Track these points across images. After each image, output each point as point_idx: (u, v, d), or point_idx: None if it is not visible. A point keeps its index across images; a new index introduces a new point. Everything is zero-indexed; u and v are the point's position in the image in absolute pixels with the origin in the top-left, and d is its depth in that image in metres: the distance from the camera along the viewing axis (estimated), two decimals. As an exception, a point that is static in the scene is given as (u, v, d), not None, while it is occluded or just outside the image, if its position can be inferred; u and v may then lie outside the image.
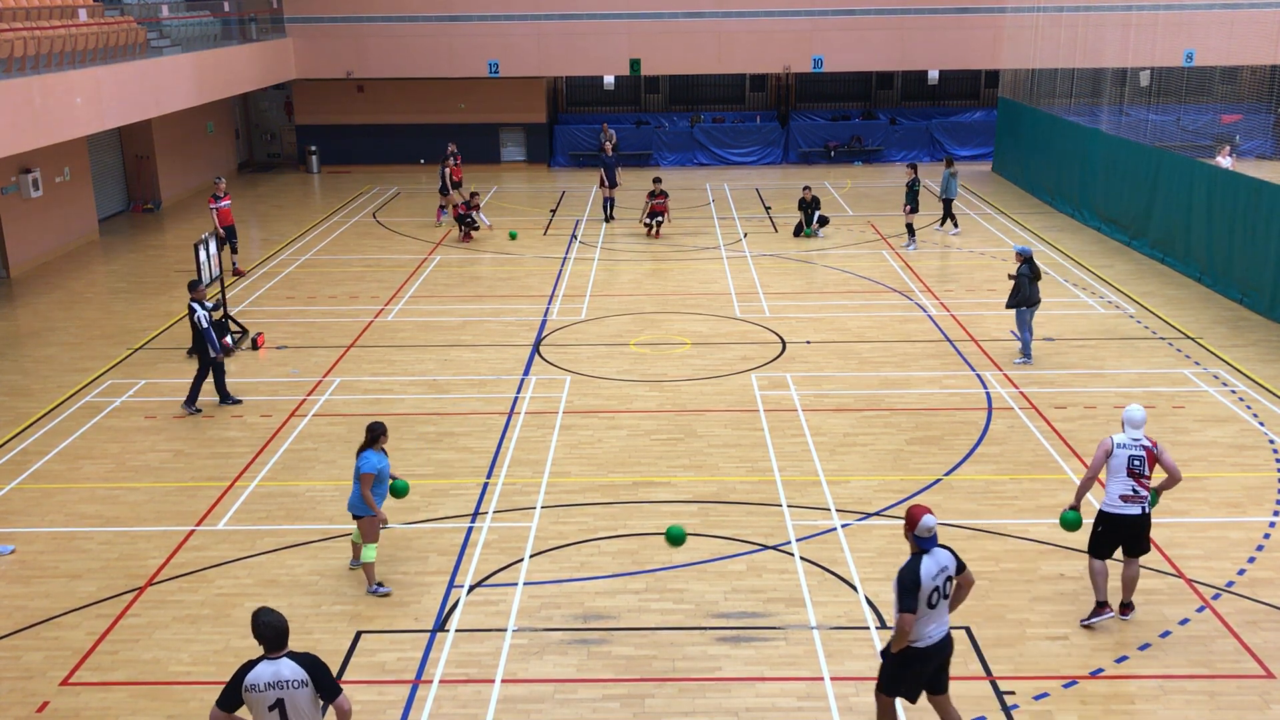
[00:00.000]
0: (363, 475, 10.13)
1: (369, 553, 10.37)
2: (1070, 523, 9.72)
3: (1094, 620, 9.80)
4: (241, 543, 11.59)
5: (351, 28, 33.46)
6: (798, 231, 25.01)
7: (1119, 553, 9.74)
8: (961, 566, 7.91)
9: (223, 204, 22.25)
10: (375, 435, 10.30)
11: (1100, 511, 9.68)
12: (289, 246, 25.04)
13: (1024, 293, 16.21)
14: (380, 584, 10.55)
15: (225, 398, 15.39)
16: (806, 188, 25.26)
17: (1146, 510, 9.54)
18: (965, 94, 37.49)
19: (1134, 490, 9.49)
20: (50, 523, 12.12)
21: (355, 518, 10.41)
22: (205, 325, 14.85)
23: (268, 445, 14.06)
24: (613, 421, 14.60)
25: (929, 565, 7.69)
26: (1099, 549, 9.74)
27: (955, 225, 24.98)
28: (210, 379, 15.28)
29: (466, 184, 30.54)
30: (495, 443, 13.99)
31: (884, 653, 8.08)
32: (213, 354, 14.99)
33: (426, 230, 26.41)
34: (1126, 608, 9.89)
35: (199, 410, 15.11)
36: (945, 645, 7.91)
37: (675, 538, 10.23)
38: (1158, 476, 9.79)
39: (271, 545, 11.51)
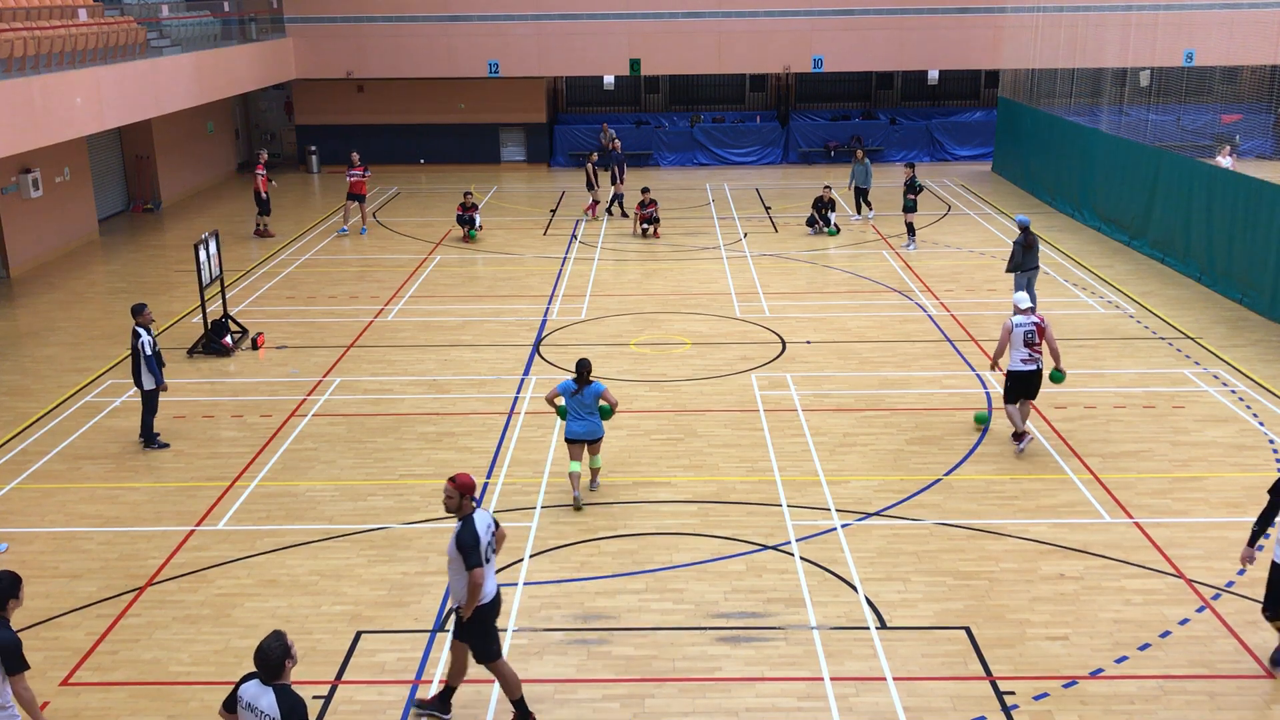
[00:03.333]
0: (605, 393, 12.01)
1: (598, 460, 12.50)
2: (981, 420, 13.96)
3: (1023, 445, 13.29)
4: (241, 543, 11.59)
5: (351, 28, 33.46)
6: (813, 225, 25.19)
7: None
8: (498, 524, 8.61)
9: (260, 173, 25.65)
10: (588, 370, 12.09)
11: (1009, 371, 13.35)
12: (289, 246, 25.04)
13: (1015, 259, 18.05)
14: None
15: (151, 439, 14.02)
16: (827, 187, 25.52)
17: (1039, 368, 13.22)
18: (965, 94, 37.48)
19: (1029, 355, 13.19)
20: (50, 523, 12.12)
21: (592, 442, 12.22)
22: (149, 352, 13.72)
23: (268, 445, 14.06)
24: (613, 421, 14.58)
25: (480, 523, 8.33)
26: (1010, 397, 13.47)
27: (871, 209, 26.61)
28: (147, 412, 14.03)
29: (465, 184, 30.57)
30: (495, 443, 13.99)
31: (462, 625, 8.37)
32: (152, 384, 13.79)
33: (426, 230, 26.42)
34: (1022, 435, 13.35)
35: (166, 445, 14.06)
36: (499, 596, 8.57)
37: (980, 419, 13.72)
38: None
39: (271, 545, 11.51)
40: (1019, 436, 13.33)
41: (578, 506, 12.12)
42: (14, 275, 22.62)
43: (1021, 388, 13.32)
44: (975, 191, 30.21)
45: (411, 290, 21.19)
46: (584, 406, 12.00)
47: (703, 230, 26.03)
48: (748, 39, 33.62)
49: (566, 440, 12.17)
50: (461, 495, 8.28)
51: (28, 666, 7.44)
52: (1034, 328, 13.14)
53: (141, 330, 13.84)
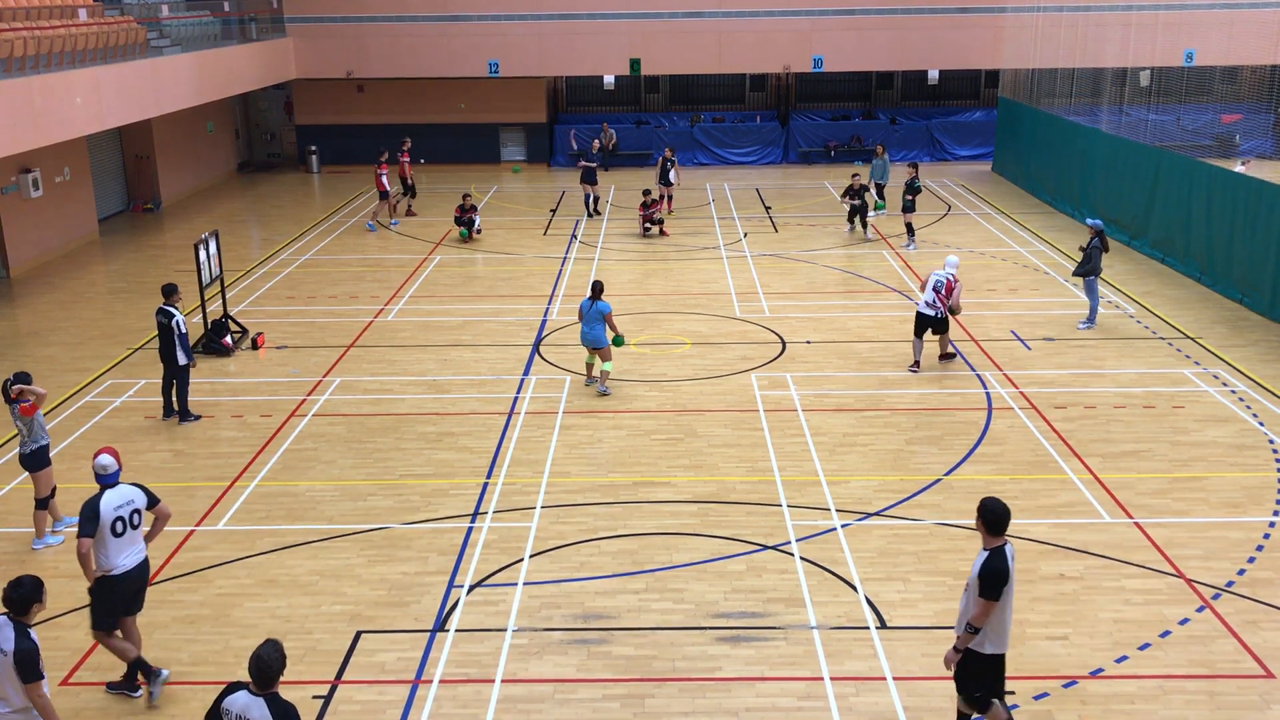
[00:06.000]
0: (609, 315, 15.21)
1: (610, 366, 15.52)
2: (879, 208, 18.06)
3: (915, 370, 16.03)
4: (241, 543, 11.59)
5: (351, 28, 33.46)
6: (851, 222, 25.30)
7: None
8: (154, 502, 9.09)
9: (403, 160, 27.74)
10: (600, 290, 15.39)
11: (918, 311, 16.06)
12: (289, 246, 25.05)
13: (1093, 262, 17.95)
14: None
15: (186, 415, 14.87)
16: (855, 175, 25.60)
17: (939, 315, 15.85)
18: (965, 94, 37.48)
19: (933, 301, 15.82)
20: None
21: (597, 349, 15.35)
22: (184, 330, 14.55)
23: (268, 445, 14.06)
24: (613, 421, 14.60)
25: (111, 498, 8.82)
26: (918, 332, 16.04)
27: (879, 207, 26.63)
28: (173, 386, 14.87)
29: (465, 184, 30.58)
30: (495, 443, 14.00)
31: (90, 591, 8.87)
32: (184, 361, 14.62)
33: (427, 230, 26.42)
34: (949, 357, 16.44)
35: (198, 416, 14.96)
36: (140, 570, 9.00)
37: None
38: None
39: (271, 545, 11.51)
40: (915, 365, 16.16)
41: (587, 383, 15.75)
42: (14, 275, 22.62)
43: (924, 324, 16.02)
44: (975, 191, 30.21)
45: (411, 290, 21.19)
46: (591, 318, 15.29)
47: (703, 230, 26.03)
48: (748, 39, 33.62)
49: (581, 342, 15.57)
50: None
51: (43, 676, 7.36)
52: (945, 283, 15.82)
53: (175, 310, 14.60)
